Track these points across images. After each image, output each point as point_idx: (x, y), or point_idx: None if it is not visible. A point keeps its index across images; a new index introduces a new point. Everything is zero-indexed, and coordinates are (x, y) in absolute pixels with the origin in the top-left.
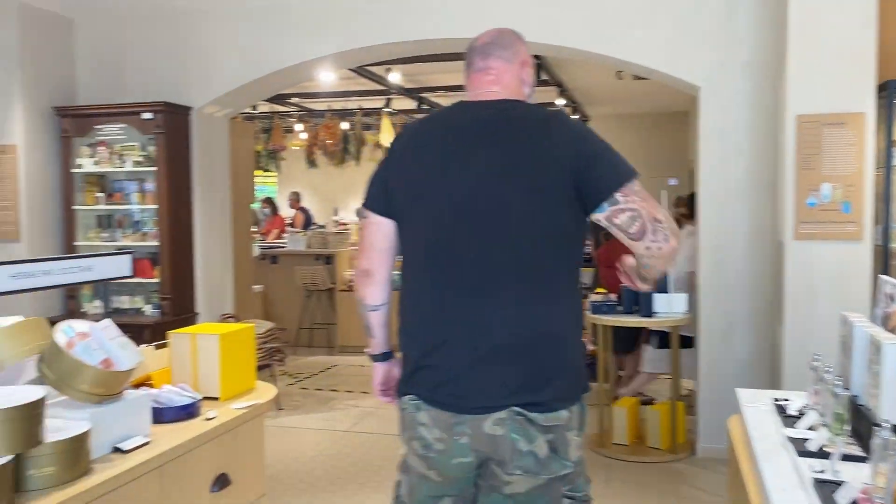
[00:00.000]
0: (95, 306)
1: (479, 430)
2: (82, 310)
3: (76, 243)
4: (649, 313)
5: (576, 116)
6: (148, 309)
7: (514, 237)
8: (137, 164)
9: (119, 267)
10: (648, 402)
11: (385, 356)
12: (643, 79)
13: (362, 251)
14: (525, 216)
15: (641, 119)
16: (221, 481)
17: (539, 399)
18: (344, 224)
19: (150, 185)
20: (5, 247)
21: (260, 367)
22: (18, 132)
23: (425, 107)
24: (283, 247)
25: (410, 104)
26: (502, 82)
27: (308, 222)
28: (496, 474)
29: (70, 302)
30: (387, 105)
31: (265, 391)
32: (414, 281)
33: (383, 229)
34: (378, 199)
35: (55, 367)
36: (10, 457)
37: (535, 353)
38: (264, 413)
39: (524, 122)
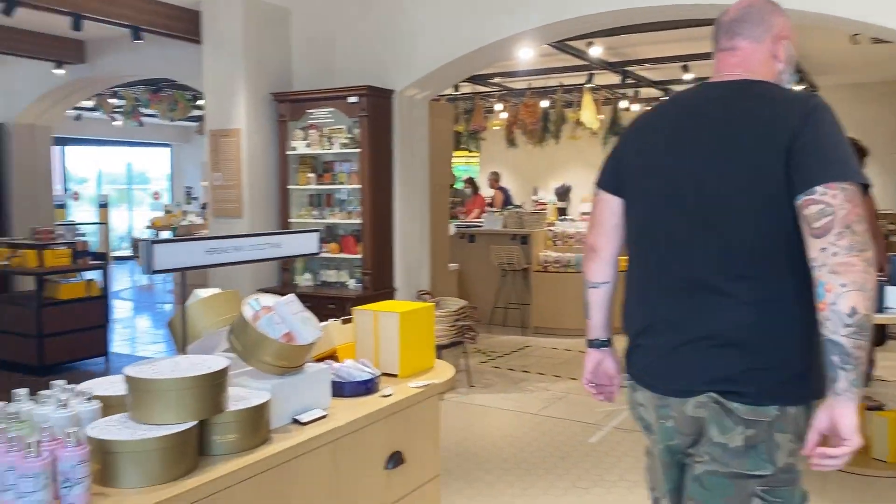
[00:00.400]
0: (305, 279)
1: (683, 413)
2: (294, 282)
3: (290, 220)
4: (879, 308)
5: (801, 87)
6: (351, 283)
7: (731, 224)
8: (344, 145)
9: (307, 244)
10: (876, 407)
11: (600, 343)
12: (884, 42)
13: (591, 228)
14: (744, 203)
15: (880, 88)
16: (396, 459)
17: (741, 389)
18: (542, 204)
19: (355, 166)
20: (230, 222)
21: (451, 344)
22: (242, 117)
23: (630, 81)
24: (479, 226)
25: (614, 79)
26: (747, 64)
27: (507, 202)
28: (690, 453)
29: (284, 274)
30: (588, 81)
31: (443, 371)
32: (635, 260)
33: (612, 207)
34: (609, 178)
35: (242, 339)
36: (194, 422)
37: (745, 345)
38: (441, 393)
39: (752, 104)
